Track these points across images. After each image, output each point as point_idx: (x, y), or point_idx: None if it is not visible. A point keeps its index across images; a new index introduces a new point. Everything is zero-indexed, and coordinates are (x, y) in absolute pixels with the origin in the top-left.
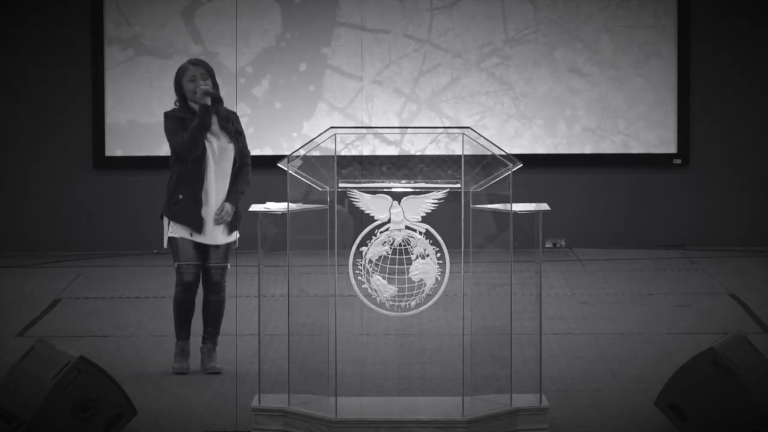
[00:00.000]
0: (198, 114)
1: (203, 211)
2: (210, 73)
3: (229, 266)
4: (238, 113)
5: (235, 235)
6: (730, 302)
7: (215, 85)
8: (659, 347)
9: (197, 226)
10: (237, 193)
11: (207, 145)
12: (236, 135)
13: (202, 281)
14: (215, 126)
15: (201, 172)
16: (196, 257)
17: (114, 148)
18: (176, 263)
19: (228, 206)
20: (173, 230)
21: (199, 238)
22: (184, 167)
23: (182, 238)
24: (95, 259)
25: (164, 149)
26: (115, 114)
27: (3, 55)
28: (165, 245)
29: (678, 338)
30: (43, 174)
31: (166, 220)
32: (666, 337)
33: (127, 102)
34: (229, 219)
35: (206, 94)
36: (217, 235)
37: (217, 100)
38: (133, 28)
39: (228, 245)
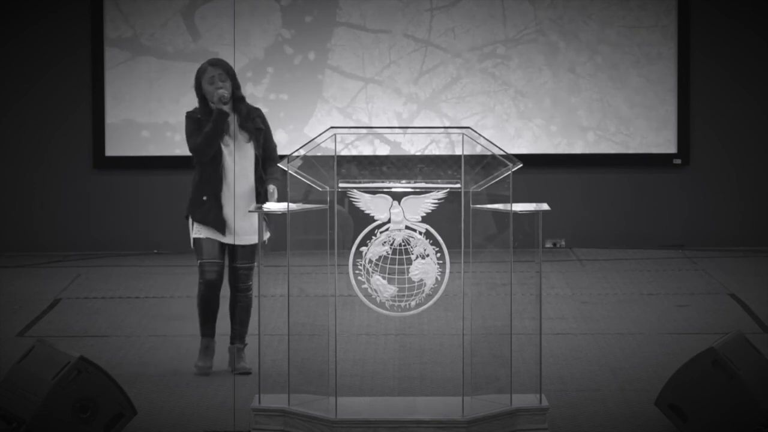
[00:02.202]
0: (212, 119)
1: (225, 212)
2: (229, 74)
3: (256, 266)
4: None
5: (266, 234)
6: (730, 302)
7: (236, 85)
8: (659, 347)
9: (220, 227)
10: (273, 179)
11: (223, 147)
12: (256, 132)
13: (228, 281)
14: (235, 126)
15: (218, 173)
16: (219, 256)
17: (114, 148)
18: (199, 261)
19: (271, 187)
20: (198, 231)
21: (223, 239)
22: (205, 168)
23: (207, 238)
24: (95, 259)
25: (165, 149)
26: (115, 114)
27: (3, 55)
28: (192, 245)
29: (678, 338)
30: (43, 174)
31: (191, 220)
32: (666, 337)
33: (126, 102)
34: (275, 198)
35: (222, 100)
36: (242, 236)
37: (239, 99)
38: (133, 28)
39: (254, 245)
